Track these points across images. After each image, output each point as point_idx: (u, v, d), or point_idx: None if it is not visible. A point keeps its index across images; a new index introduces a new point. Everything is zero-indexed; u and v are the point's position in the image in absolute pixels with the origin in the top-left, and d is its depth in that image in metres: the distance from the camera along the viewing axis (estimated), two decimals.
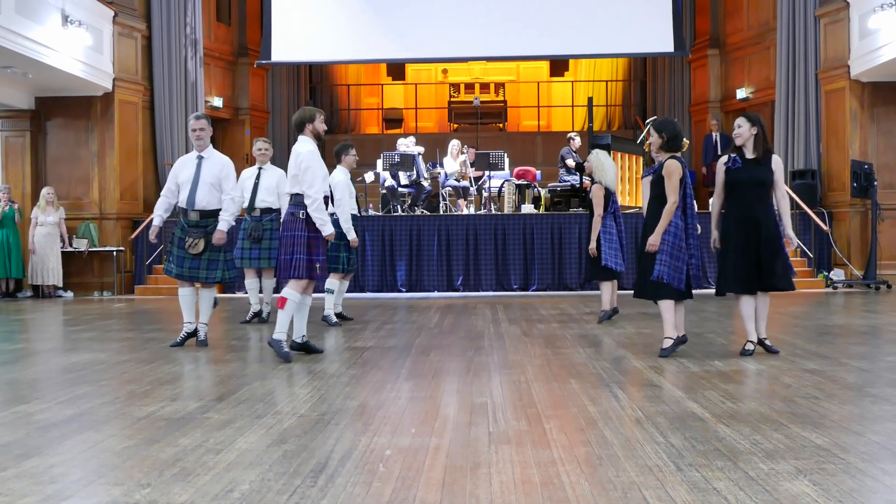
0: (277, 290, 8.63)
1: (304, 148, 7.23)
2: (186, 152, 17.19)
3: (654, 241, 7.07)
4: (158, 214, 8.12)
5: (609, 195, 9.73)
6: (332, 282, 9.81)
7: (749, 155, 7.13)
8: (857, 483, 3.55)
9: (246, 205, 9.91)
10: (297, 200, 7.21)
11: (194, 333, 8.13)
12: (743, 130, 7.24)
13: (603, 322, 9.78)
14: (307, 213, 7.16)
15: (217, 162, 8.03)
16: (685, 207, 7.21)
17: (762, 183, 7.09)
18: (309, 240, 7.20)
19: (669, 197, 7.09)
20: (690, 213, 7.24)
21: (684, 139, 14.83)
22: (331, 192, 8.48)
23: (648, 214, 7.29)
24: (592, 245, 9.68)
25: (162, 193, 8.17)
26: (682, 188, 7.19)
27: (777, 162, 7.20)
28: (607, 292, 9.95)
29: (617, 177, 10.12)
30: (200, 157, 7.99)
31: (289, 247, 7.20)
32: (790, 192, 15.95)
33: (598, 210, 9.63)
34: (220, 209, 7.94)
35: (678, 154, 7.35)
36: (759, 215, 7.06)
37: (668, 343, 7.16)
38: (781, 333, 8.72)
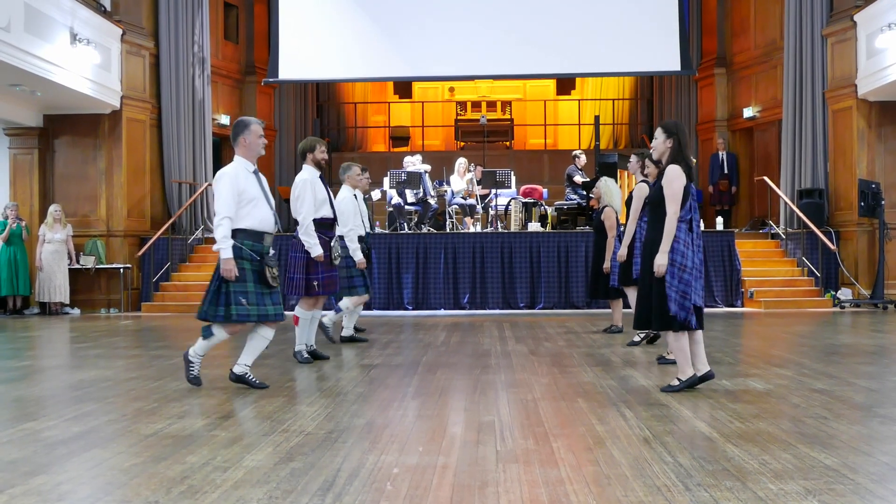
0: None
1: (300, 177, 7.96)
2: (194, 170, 17.66)
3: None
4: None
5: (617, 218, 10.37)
6: (345, 302, 9.74)
7: None
8: None
9: (363, 232, 9.77)
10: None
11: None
12: (657, 143, 6.19)
13: (614, 334, 10.53)
14: None
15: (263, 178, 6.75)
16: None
17: (652, 203, 6.17)
18: (307, 260, 7.88)
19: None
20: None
21: (691, 159, 14.80)
22: (334, 213, 8.33)
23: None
24: (607, 264, 10.14)
25: (229, 215, 6.35)
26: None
27: (668, 174, 6.02)
28: (618, 310, 10.71)
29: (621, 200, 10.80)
30: (256, 171, 6.63)
31: (291, 268, 7.96)
32: (799, 212, 15.97)
33: (613, 232, 10.17)
34: None
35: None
36: (649, 240, 6.18)
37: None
38: (789, 353, 8.70)
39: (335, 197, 8.60)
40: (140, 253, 16.18)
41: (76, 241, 16.03)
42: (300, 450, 4.52)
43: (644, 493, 3.67)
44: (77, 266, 15.96)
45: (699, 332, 6.18)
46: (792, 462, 4.17)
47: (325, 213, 8.04)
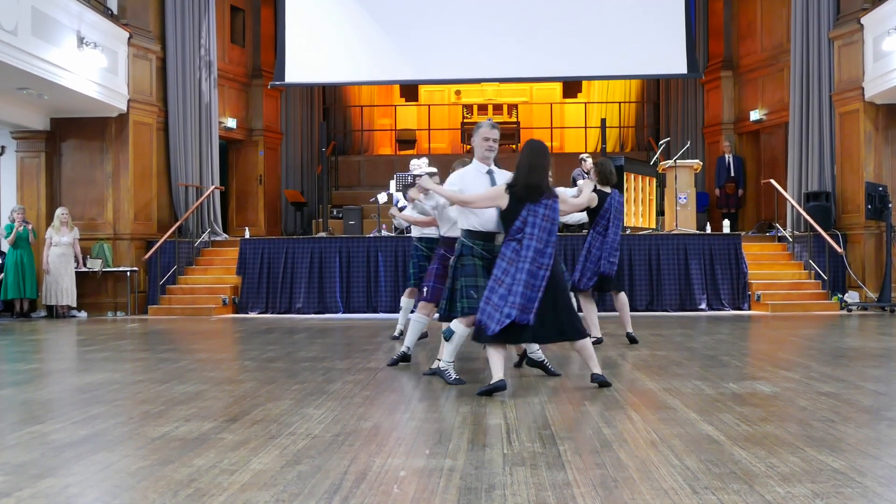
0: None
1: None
2: (200, 173, 17.68)
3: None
4: None
5: None
6: None
7: None
8: None
9: None
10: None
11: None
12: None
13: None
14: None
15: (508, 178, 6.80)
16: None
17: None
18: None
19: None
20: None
21: (698, 162, 14.83)
22: None
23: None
24: None
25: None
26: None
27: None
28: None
29: None
30: (491, 172, 6.80)
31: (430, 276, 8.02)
32: (805, 215, 15.94)
33: None
34: None
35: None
36: None
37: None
38: (796, 356, 8.68)
39: None
40: (147, 256, 16.20)
41: (83, 244, 16.07)
42: (307, 453, 4.52)
43: (651, 496, 3.67)
44: (84, 269, 16.00)
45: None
46: (799, 465, 4.16)
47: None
